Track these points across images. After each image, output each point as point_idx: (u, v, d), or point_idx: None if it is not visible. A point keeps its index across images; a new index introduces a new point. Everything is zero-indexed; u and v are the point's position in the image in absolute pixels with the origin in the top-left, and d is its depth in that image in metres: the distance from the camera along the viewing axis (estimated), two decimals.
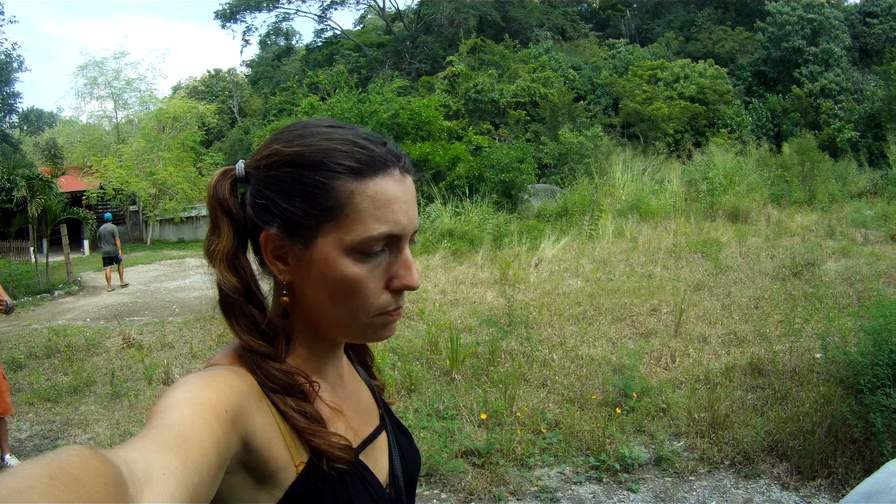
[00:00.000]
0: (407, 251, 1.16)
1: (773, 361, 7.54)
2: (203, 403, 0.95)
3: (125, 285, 19.96)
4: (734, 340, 8.92)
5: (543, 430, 6.43)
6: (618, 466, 5.77)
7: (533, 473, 5.80)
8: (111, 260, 19.58)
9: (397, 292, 1.15)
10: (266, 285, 1.21)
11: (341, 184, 1.11)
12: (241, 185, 1.20)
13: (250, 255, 1.21)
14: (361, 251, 1.11)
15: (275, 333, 1.16)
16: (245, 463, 1.03)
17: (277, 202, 1.13)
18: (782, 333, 8.78)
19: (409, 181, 1.18)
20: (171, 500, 0.77)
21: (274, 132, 1.21)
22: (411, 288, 1.15)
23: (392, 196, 1.12)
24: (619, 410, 6.71)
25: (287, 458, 1.09)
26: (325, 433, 1.12)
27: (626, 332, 9.67)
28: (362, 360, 1.51)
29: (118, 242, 19.59)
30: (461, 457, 5.99)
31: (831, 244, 15.57)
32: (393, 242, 1.14)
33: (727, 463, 5.79)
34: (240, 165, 1.19)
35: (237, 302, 1.15)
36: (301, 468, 1.10)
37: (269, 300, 1.22)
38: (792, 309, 9.66)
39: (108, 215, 20.93)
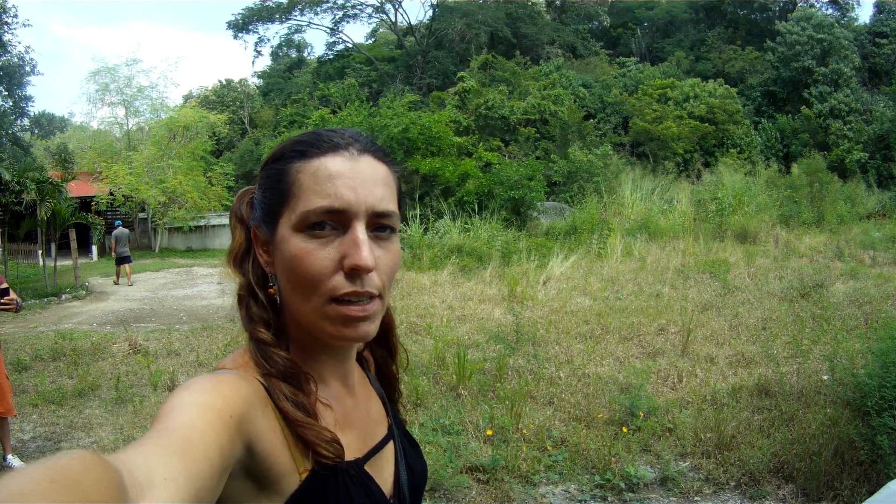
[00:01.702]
0: (358, 230, 1.12)
1: (780, 383, 7.52)
2: (208, 407, 0.96)
3: (131, 284, 22.15)
4: (741, 361, 8.91)
5: (549, 448, 6.42)
6: (623, 485, 5.75)
7: (538, 491, 5.78)
8: (125, 260, 22.20)
9: (351, 276, 1.12)
10: None
11: (290, 166, 1.17)
12: None
13: None
14: (306, 227, 1.12)
15: (278, 329, 1.21)
16: (248, 468, 1.04)
17: (257, 196, 1.25)
18: (790, 355, 8.79)
19: (365, 160, 1.17)
20: None
21: None
22: (358, 267, 1.10)
23: (335, 171, 1.13)
24: (625, 429, 6.69)
25: (290, 466, 1.09)
26: (315, 426, 1.13)
27: (634, 352, 9.66)
28: (390, 392, 1.52)
29: (130, 244, 22.40)
30: (466, 472, 5.97)
31: (839, 266, 15.57)
32: (341, 220, 1.13)
33: (733, 484, 5.77)
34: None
35: (244, 297, 1.24)
36: (305, 476, 1.10)
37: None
38: (800, 330, 9.65)
39: (118, 222, 23.26)
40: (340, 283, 1.12)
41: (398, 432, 1.43)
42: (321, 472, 1.12)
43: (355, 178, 1.14)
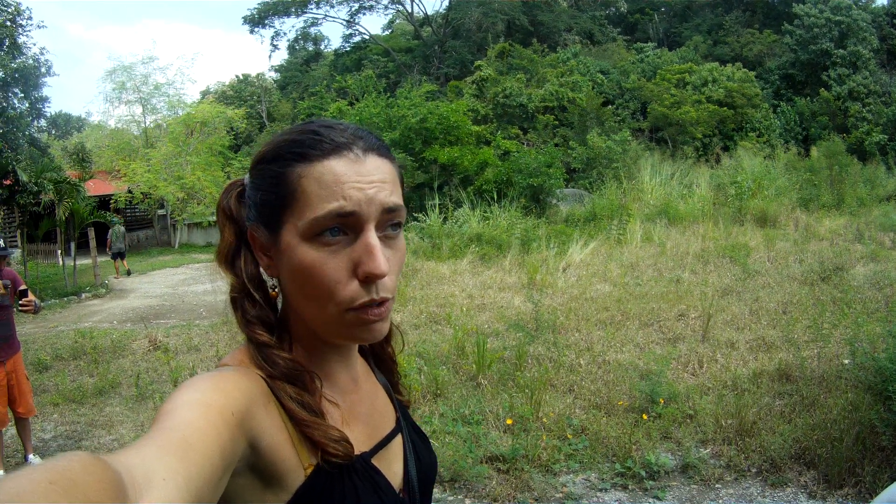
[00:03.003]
0: (369, 234, 1.10)
1: (801, 367, 7.48)
2: (209, 405, 0.95)
3: (129, 273, 24.67)
4: (762, 346, 8.86)
5: (569, 436, 6.40)
6: (644, 473, 5.73)
7: (558, 480, 5.77)
8: (121, 255, 24.16)
9: (367, 283, 1.10)
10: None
11: (291, 170, 1.12)
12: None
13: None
14: (315, 234, 1.09)
15: (278, 329, 1.20)
16: (252, 465, 1.03)
17: (252, 196, 1.19)
18: (810, 339, 8.73)
19: (370, 161, 1.13)
20: None
21: None
22: (373, 275, 1.08)
23: (341, 175, 1.09)
24: (645, 417, 6.67)
25: (295, 461, 1.08)
26: (323, 425, 1.11)
27: (654, 338, 9.63)
28: (388, 376, 1.50)
29: (126, 241, 24.58)
30: (486, 462, 5.97)
31: (860, 248, 15.43)
32: (351, 224, 1.10)
33: (754, 471, 5.74)
34: (246, 177, 1.23)
35: (238, 298, 1.21)
36: (310, 471, 1.10)
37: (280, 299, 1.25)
38: (820, 314, 9.57)
39: (115, 220, 24.74)
40: (357, 293, 1.10)
41: (406, 425, 1.42)
42: (327, 467, 1.11)
43: (363, 180, 1.10)
